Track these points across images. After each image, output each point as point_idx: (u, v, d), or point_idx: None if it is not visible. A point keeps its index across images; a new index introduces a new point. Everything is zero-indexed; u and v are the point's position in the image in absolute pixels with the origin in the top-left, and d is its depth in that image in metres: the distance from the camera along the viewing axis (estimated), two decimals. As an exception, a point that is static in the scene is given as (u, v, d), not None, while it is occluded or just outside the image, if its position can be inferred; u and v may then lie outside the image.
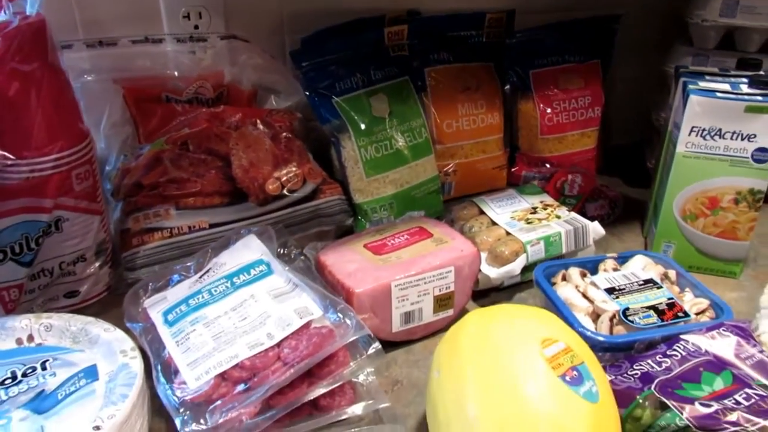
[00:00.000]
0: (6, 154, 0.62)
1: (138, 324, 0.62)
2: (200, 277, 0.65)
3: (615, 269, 0.70)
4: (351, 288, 0.64)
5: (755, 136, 0.74)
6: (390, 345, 0.67)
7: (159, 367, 0.57)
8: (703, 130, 0.76)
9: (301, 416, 0.56)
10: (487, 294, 0.76)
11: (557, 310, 0.63)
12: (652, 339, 0.59)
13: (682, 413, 0.49)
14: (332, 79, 0.83)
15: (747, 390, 0.51)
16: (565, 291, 0.66)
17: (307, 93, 0.83)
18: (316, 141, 0.87)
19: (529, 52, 0.95)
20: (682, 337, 0.58)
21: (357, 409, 0.57)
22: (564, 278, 0.69)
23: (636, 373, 0.55)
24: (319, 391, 0.55)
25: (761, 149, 0.75)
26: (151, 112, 0.83)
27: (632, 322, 0.61)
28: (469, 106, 0.91)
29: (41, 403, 0.52)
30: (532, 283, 0.71)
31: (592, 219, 0.81)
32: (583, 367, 0.47)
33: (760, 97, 0.74)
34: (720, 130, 0.75)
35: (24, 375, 0.55)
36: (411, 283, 0.66)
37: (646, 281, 0.67)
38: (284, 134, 0.83)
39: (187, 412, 0.52)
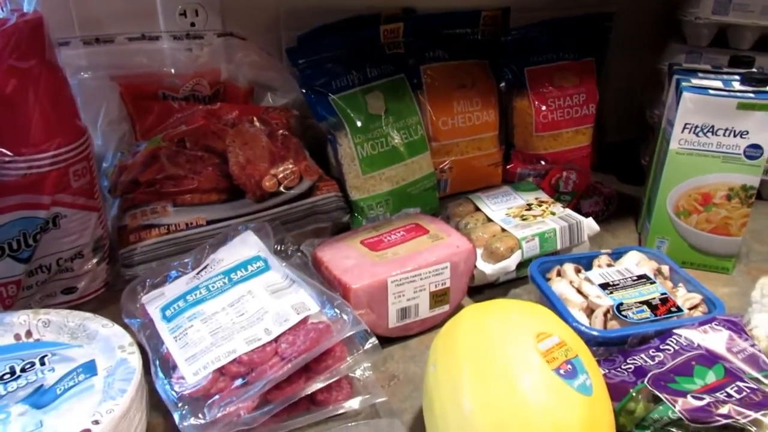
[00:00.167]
0: (4, 150, 0.62)
1: (136, 320, 0.62)
2: (198, 274, 0.65)
3: (609, 265, 0.71)
4: (348, 284, 0.64)
5: (747, 132, 0.75)
6: (386, 341, 0.67)
7: (157, 363, 0.57)
8: (696, 127, 0.76)
9: (298, 411, 0.57)
10: (482, 290, 0.77)
11: (552, 305, 0.64)
12: (645, 333, 0.60)
13: (674, 406, 0.50)
14: (328, 77, 0.83)
15: (739, 383, 0.52)
16: (559, 286, 0.67)
17: (304, 90, 0.84)
18: (313, 138, 0.88)
19: (524, 50, 0.96)
20: (675, 331, 0.59)
21: (354, 403, 0.58)
22: (559, 274, 0.70)
23: (629, 367, 0.56)
24: (317, 385, 0.56)
25: (753, 146, 0.75)
26: (147, 110, 0.84)
27: (626, 316, 0.62)
28: (465, 104, 0.92)
29: (40, 398, 0.52)
30: (527, 279, 0.71)
31: (586, 215, 0.82)
32: (577, 360, 0.48)
33: (752, 94, 0.74)
34: (713, 126, 0.76)
35: (23, 370, 0.55)
36: (407, 279, 0.66)
37: (640, 277, 0.68)
38: (281, 131, 0.83)
39: (186, 407, 0.53)
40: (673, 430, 0.50)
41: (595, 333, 0.60)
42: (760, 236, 0.92)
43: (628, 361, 0.56)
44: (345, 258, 0.68)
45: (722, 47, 0.98)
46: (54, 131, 0.65)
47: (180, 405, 0.53)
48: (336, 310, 0.59)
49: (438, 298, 0.69)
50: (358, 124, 0.83)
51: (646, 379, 0.53)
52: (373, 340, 0.58)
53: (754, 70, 0.83)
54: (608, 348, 0.60)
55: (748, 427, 0.48)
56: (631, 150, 1.09)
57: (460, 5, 0.92)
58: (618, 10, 1.00)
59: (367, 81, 0.85)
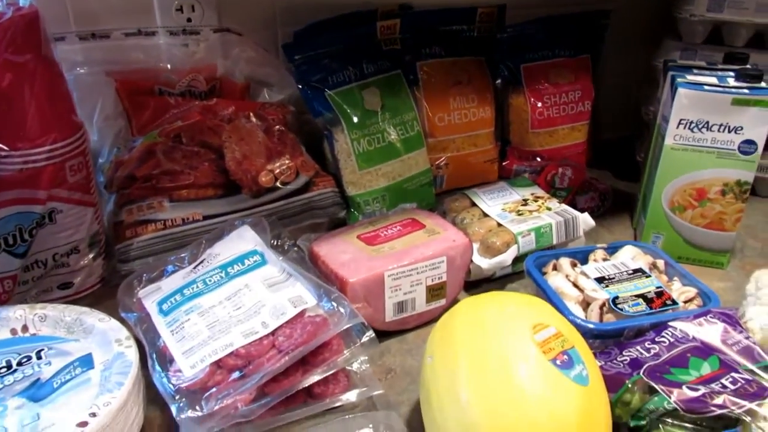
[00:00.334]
0: (0, 145, 0.62)
1: (133, 314, 0.62)
2: (194, 268, 0.65)
3: (605, 259, 0.71)
4: (345, 277, 0.64)
5: (742, 128, 0.75)
6: (383, 334, 0.67)
7: (154, 356, 0.57)
8: (691, 122, 0.77)
9: (295, 403, 0.57)
10: (478, 285, 0.77)
11: (548, 298, 0.64)
12: (640, 326, 0.60)
13: (670, 397, 0.50)
14: (325, 73, 0.83)
15: (733, 374, 0.52)
16: (555, 280, 0.67)
17: (300, 86, 0.84)
18: (309, 134, 0.88)
19: (520, 47, 0.96)
20: (670, 324, 0.59)
21: (351, 396, 0.58)
22: (555, 268, 0.70)
23: (625, 359, 0.56)
24: (314, 378, 0.56)
25: (748, 141, 0.76)
26: (143, 105, 0.83)
27: (621, 310, 0.62)
28: (461, 100, 0.92)
29: (37, 392, 0.52)
30: (523, 274, 0.71)
31: (582, 211, 0.82)
32: (573, 351, 0.48)
33: (746, 90, 0.75)
34: (707, 122, 0.76)
35: (19, 364, 0.55)
36: (404, 272, 0.66)
37: (635, 270, 0.68)
38: (277, 127, 0.83)
39: (183, 400, 0.53)
40: (669, 420, 0.50)
41: (591, 326, 0.60)
42: (754, 232, 0.92)
43: (623, 353, 0.57)
44: (342, 252, 0.68)
45: (717, 44, 0.98)
46: (50, 126, 0.65)
47: (177, 398, 0.53)
48: (333, 303, 0.59)
49: (434, 292, 0.69)
50: (355, 119, 0.83)
51: (641, 371, 0.53)
52: (370, 333, 0.58)
53: (748, 66, 0.83)
54: (604, 341, 0.60)
55: (743, 417, 0.48)
56: (626, 147, 1.10)
57: (456, 2, 0.92)
58: (614, 7, 1.00)
59: (363, 77, 0.85)
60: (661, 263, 0.71)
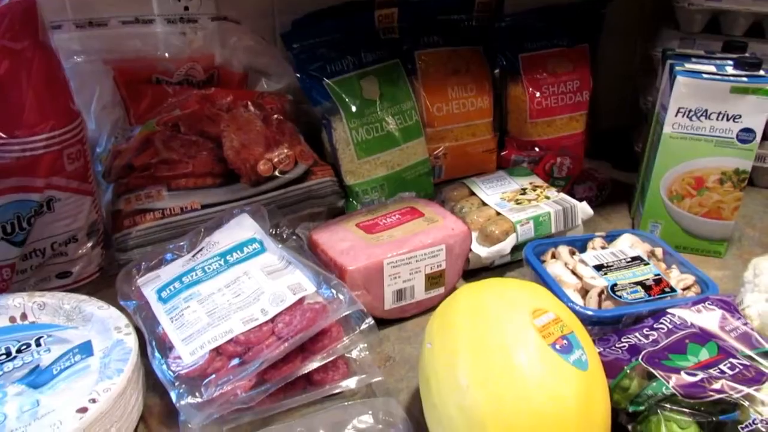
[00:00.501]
0: (-3, 132, 0.62)
1: (132, 302, 0.62)
2: (193, 256, 0.65)
3: (603, 247, 0.72)
4: (344, 265, 0.64)
5: (740, 116, 0.75)
6: (382, 322, 0.68)
7: (154, 343, 0.57)
8: (690, 110, 0.77)
9: (295, 390, 0.57)
10: (477, 273, 0.77)
11: (547, 286, 0.64)
12: (639, 313, 0.61)
13: (668, 382, 0.50)
14: (323, 62, 0.83)
15: (731, 360, 0.53)
16: (554, 268, 0.67)
17: (298, 75, 0.83)
18: (308, 123, 0.88)
19: (519, 36, 0.96)
20: (668, 311, 0.59)
21: (350, 383, 0.58)
22: (553, 256, 0.70)
23: (624, 346, 0.56)
24: (313, 365, 0.56)
25: (746, 130, 0.76)
26: (141, 94, 0.83)
27: (620, 297, 0.63)
28: (459, 90, 0.92)
29: (36, 378, 0.53)
30: (522, 263, 0.72)
31: (580, 200, 0.82)
32: (572, 336, 0.48)
33: (745, 78, 0.75)
34: (706, 110, 0.76)
35: (18, 351, 0.55)
36: (403, 260, 0.66)
37: (634, 258, 0.68)
38: (275, 116, 0.83)
39: (183, 386, 0.53)
40: (667, 405, 0.50)
41: (590, 313, 0.61)
42: (751, 221, 0.92)
43: (622, 339, 0.57)
44: (341, 240, 0.68)
45: (715, 33, 0.98)
46: (48, 113, 0.65)
47: (177, 384, 0.53)
48: (332, 290, 0.59)
49: (433, 280, 0.69)
50: (353, 108, 0.83)
51: (640, 357, 0.53)
52: (370, 320, 0.58)
53: (746, 55, 0.83)
54: (603, 327, 0.61)
55: (741, 402, 0.48)
56: (624, 137, 1.10)
57: (454, -9, 0.91)
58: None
59: (361, 66, 0.85)
60: (659, 251, 0.71)
